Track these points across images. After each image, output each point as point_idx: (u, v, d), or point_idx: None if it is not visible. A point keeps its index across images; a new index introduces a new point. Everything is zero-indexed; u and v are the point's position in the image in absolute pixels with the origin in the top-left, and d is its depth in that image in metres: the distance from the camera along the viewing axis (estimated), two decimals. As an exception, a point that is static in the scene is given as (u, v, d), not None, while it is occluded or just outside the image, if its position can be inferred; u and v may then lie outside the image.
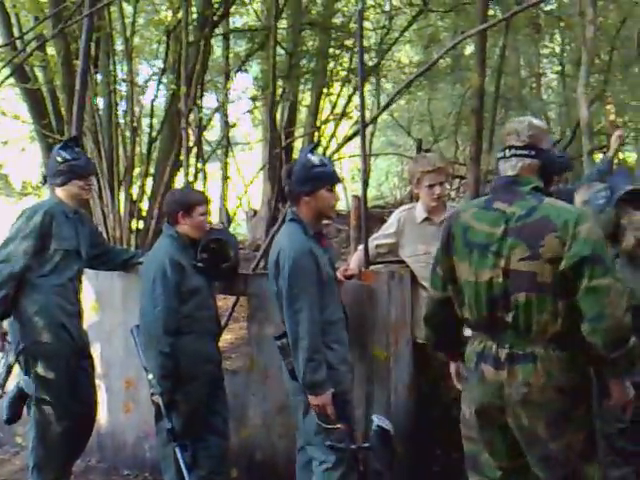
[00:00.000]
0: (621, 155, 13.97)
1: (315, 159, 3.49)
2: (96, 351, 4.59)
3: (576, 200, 3.64)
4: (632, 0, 11.24)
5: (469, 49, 14.01)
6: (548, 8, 12.23)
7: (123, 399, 4.76)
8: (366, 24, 13.11)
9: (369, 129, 13.88)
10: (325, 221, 4.14)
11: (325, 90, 13.69)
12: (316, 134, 13.09)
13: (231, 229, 12.79)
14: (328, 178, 3.50)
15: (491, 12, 10.67)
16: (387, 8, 12.90)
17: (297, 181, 3.46)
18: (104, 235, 6.55)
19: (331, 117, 13.60)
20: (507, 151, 2.73)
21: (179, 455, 3.70)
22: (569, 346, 2.57)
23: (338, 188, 3.68)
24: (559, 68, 15.40)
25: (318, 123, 13.63)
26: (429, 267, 4.14)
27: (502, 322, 2.64)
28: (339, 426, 3.37)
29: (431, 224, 4.24)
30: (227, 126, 11.50)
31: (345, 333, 3.58)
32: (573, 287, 2.49)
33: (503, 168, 2.74)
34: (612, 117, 14.35)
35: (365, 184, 4.56)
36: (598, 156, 13.80)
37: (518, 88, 14.34)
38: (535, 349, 2.58)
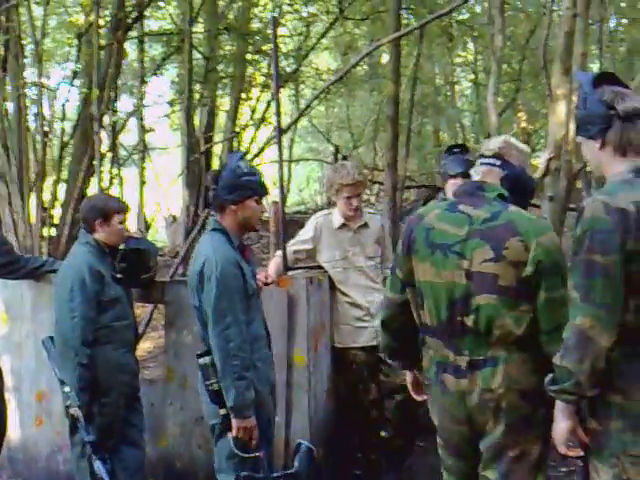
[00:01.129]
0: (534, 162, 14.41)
1: (245, 167, 3.31)
2: (5, 364, 4.43)
3: None
4: (540, 11, 11.65)
5: (386, 57, 14.25)
6: (460, 18, 12.52)
7: (35, 412, 4.61)
8: (283, 30, 13.17)
9: (289, 135, 13.94)
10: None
11: (244, 95, 13.65)
12: (235, 139, 13.04)
13: (149, 235, 12.61)
14: (257, 188, 3.30)
15: (406, 21, 10.87)
16: (304, 15, 12.97)
17: (224, 188, 3.23)
18: (14, 243, 6.32)
19: (250, 122, 13.57)
20: (477, 160, 2.83)
21: (100, 468, 3.58)
22: (531, 349, 2.57)
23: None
24: (472, 77, 15.81)
25: (237, 128, 13.57)
26: (346, 272, 4.26)
27: (461, 326, 2.60)
28: (258, 454, 3.14)
29: (348, 230, 4.31)
30: (143, 131, 11.31)
31: (268, 351, 3.40)
32: (534, 294, 2.53)
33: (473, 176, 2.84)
34: (524, 124, 14.89)
35: (282, 190, 4.57)
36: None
37: (433, 96, 14.65)
38: (496, 353, 2.57)
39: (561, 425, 2.36)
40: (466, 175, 4.89)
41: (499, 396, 2.57)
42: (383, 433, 4.34)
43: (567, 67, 5.14)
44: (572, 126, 5.16)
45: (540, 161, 5.02)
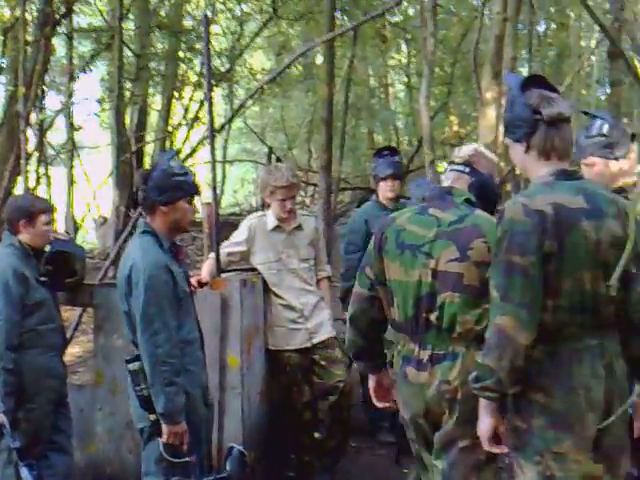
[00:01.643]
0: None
1: (177, 167, 3.22)
2: None
3: None
4: (472, 15, 11.86)
5: (320, 58, 14.29)
6: (394, 20, 12.66)
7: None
8: (216, 29, 13.05)
9: (223, 135, 13.80)
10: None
11: (176, 94, 13.48)
12: (168, 139, 12.88)
13: (78, 237, 12.31)
14: (189, 188, 3.22)
15: (340, 22, 10.92)
16: (237, 13, 12.90)
17: (155, 189, 3.13)
18: None
19: (183, 122, 13.42)
20: (448, 167, 2.96)
21: (27, 476, 3.47)
22: None
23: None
24: (405, 79, 15.98)
25: (170, 128, 13.40)
26: (280, 274, 4.24)
27: (426, 322, 2.69)
28: (189, 459, 3.09)
29: (282, 232, 4.29)
30: (72, 129, 11.05)
31: (201, 354, 3.34)
32: None
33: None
34: (455, 127, 15.14)
35: (216, 191, 4.52)
36: (441, 165, 14.48)
37: (367, 98, 14.75)
38: (457, 348, 2.66)
39: (485, 422, 2.42)
40: (396, 177, 4.97)
41: (455, 388, 2.65)
42: (316, 435, 4.33)
43: (497, 71, 5.26)
44: (502, 129, 5.28)
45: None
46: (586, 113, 3.42)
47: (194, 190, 3.28)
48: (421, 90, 6.01)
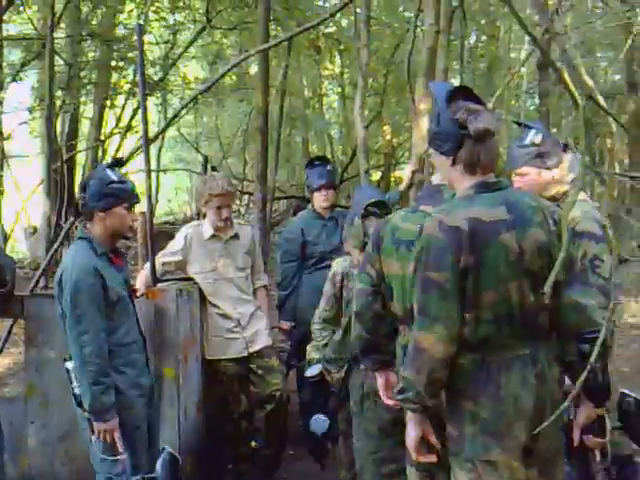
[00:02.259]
0: (397, 173, 14.89)
1: (114, 175, 3.31)
2: None
3: None
4: (404, 26, 12.05)
5: (254, 68, 14.31)
6: (328, 31, 12.76)
7: None
8: (149, 38, 12.93)
9: (157, 144, 13.67)
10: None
11: (109, 103, 13.28)
12: (100, 148, 12.67)
13: (8, 247, 11.98)
14: (126, 195, 3.32)
15: (274, 32, 10.97)
16: (171, 22, 12.81)
17: (92, 196, 3.27)
18: None
19: (116, 130, 13.23)
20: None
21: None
22: None
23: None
24: (339, 89, 16.12)
25: (102, 137, 13.18)
26: (217, 283, 4.24)
27: None
28: (119, 457, 3.19)
29: (218, 241, 4.29)
30: (1, 138, 10.77)
31: (140, 356, 3.42)
32: None
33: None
34: (388, 137, 15.35)
35: (150, 200, 4.48)
36: (376, 174, 14.66)
37: (302, 108, 14.82)
38: None
39: (411, 433, 2.49)
40: (329, 186, 5.02)
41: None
42: (253, 444, 4.34)
43: (430, 82, 5.34)
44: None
45: (404, 173, 5.20)
46: (519, 124, 3.50)
47: (132, 197, 3.36)
48: (355, 101, 6.09)
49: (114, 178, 3.30)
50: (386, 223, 2.97)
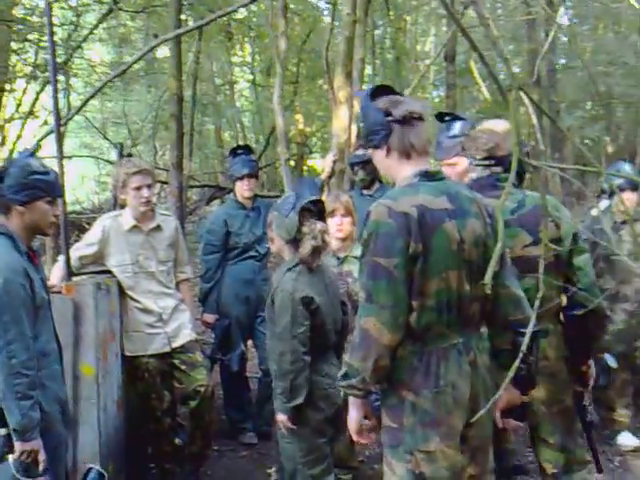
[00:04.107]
0: (310, 163, 14.88)
1: (36, 164, 2.99)
2: None
3: None
4: (315, 14, 12.03)
5: (161, 52, 13.95)
6: (239, 16, 12.55)
7: None
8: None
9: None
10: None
11: (8, 87, 12.64)
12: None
13: None
14: (50, 188, 3.00)
15: (183, 16, 10.68)
16: (74, 3, 12.29)
17: (11, 187, 2.91)
18: None
19: (16, 116, 12.63)
20: (471, 161, 3.05)
21: None
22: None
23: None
24: (250, 77, 15.92)
25: (1, 122, 12.56)
26: (137, 277, 4.07)
27: None
28: (42, 478, 2.88)
29: (139, 232, 4.10)
30: None
31: (58, 367, 3.12)
32: None
33: None
34: (301, 126, 15.28)
35: (64, 190, 4.24)
36: (289, 163, 14.58)
37: (213, 94, 14.57)
38: (544, 325, 2.79)
39: (352, 416, 2.51)
40: (252, 176, 4.93)
41: (552, 363, 2.88)
42: (177, 441, 4.23)
43: (348, 71, 5.33)
44: (354, 129, 5.39)
45: (325, 163, 5.16)
46: (445, 114, 3.53)
47: (55, 190, 3.06)
48: (275, 89, 6.00)
49: (37, 168, 2.98)
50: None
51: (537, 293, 2.70)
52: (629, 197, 4.46)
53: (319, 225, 3.31)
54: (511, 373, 1.85)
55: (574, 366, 2.97)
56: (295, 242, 3.29)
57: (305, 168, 14.38)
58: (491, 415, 2.56)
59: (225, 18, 11.30)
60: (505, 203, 2.79)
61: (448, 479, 2.38)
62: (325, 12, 14.20)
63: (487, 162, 2.98)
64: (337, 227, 3.95)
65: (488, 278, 1.69)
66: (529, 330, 2.05)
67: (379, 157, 2.49)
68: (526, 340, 1.97)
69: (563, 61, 15.54)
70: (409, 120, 2.41)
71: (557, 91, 13.71)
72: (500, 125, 3.08)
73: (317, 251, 3.28)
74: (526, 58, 14.28)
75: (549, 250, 2.74)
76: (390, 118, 2.40)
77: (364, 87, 5.82)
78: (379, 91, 2.50)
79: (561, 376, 2.91)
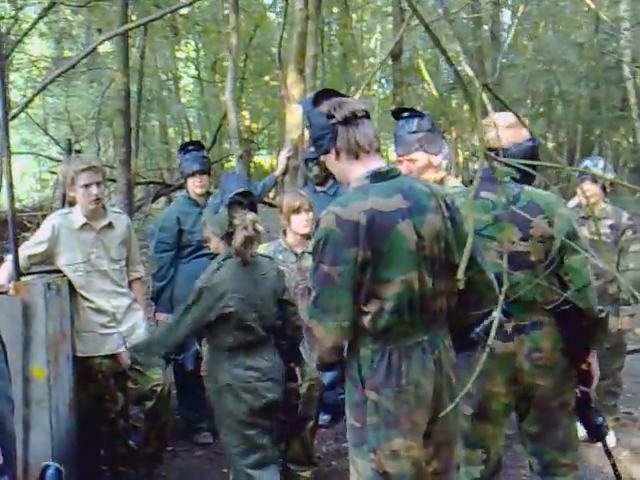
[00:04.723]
0: (257, 159, 14.83)
1: None
2: None
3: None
4: (263, 12, 11.98)
5: (102, 47, 13.70)
6: (185, 11, 12.42)
7: None
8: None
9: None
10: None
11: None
12: None
13: None
14: None
15: (130, 12, 10.50)
16: (15, -3, 11.98)
17: None
18: None
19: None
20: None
21: None
22: None
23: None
24: (195, 72, 15.79)
25: None
26: (89, 276, 3.97)
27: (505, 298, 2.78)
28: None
29: (90, 230, 3.99)
30: None
31: (5, 365, 2.93)
32: None
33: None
34: (247, 122, 15.22)
35: (12, 187, 4.10)
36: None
37: (158, 90, 14.39)
38: (539, 317, 2.84)
39: None
40: (204, 172, 4.87)
41: (547, 355, 2.86)
42: (131, 443, 4.15)
43: (301, 68, 5.31)
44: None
45: (279, 159, 5.13)
46: (402, 110, 3.53)
47: None
48: (227, 85, 5.95)
49: None
50: None
51: (524, 288, 2.78)
52: (589, 188, 4.46)
53: (250, 215, 3.36)
54: (479, 368, 1.85)
55: (573, 364, 2.94)
56: (228, 236, 3.35)
57: (252, 165, 14.31)
58: (457, 411, 2.57)
59: (171, 14, 11.16)
60: (500, 197, 2.84)
61: (412, 477, 2.39)
62: (271, 8, 14.16)
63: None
64: (304, 223, 3.95)
65: (461, 274, 1.68)
66: (495, 315, 2.08)
67: (330, 161, 2.48)
68: (496, 321, 1.96)
69: (504, 60, 15.84)
70: (352, 120, 2.40)
71: (502, 89, 13.98)
72: (503, 118, 3.06)
73: (249, 241, 3.33)
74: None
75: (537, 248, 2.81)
76: (333, 120, 2.39)
77: (317, 84, 5.81)
78: (322, 96, 2.49)
79: (559, 369, 2.88)
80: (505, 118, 3.02)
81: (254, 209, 3.45)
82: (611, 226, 4.34)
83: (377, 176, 2.39)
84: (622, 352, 4.67)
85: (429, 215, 2.38)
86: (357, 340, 2.39)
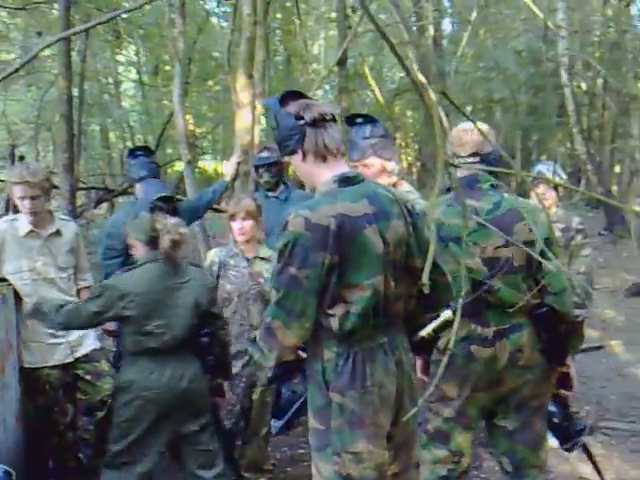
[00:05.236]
0: (201, 164, 14.71)
1: None
2: None
3: None
4: (206, 17, 11.90)
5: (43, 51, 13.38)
6: (126, 16, 12.23)
7: None
8: None
9: None
10: None
11: None
12: None
13: None
14: None
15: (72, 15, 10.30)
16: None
17: None
18: None
19: None
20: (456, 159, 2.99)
21: None
22: None
23: None
24: (136, 76, 15.58)
25: None
26: (35, 284, 3.87)
27: (486, 303, 2.86)
28: None
29: (37, 238, 3.89)
30: None
31: None
32: None
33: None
34: (191, 127, 15.08)
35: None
36: (180, 165, 14.29)
37: (99, 94, 14.14)
38: (519, 320, 2.88)
39: None
40: (153, 178, 4.78)
41: (527, 355, 2.91)
42: (81, 456, 4.05)
43: (250, 72, 5.29)
44: (257, 131, 5.35)
45: (229, 165, 5.10)
46: (356, 116, 3.55)
47: None
48: (174, 88, 5.88)
49: None
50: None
51: (506, 293, 2.83)
52: (542, 191, 4.51)
53: (171, 220, 3.38)
54: (440, 370, 1.87)
55: (551, 366, 2.99)
56: (152, 241, 3.35)
57: (197, 170, 14.19)
58: (416, 412, 2.59)
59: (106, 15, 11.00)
60: (481, 204, 2.90)
61: (374, 479, 2.40)
62: (214, 13, 14.08)
63: (472, 159, 2.97)
64: (238, 230, 3.93)
65: (425, 278, 1.69)
66: (444, 314, 2.37)
67: (296, 163, 2.47)
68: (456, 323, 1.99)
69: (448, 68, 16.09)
70: (321, 122, 2.40)
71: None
72: (482, 125, 3.08)
73: (176, 244, 3.33)
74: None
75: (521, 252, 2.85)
76: (302, 122, 2.38)
77: (265, 88, 5.78)
78: (288, 97, 2.48)
79: (539, 369, 2.92)
80: (483, 125, 3.05)
81: (176, 214, 3.45)
82: (562, 230, 4.41)
83: (345, 181, 2.40)
84: None
85: (393, 220, 2.41)
86: (320, 343, 2.40)
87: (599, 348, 6.97)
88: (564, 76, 12.81)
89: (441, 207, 2.94)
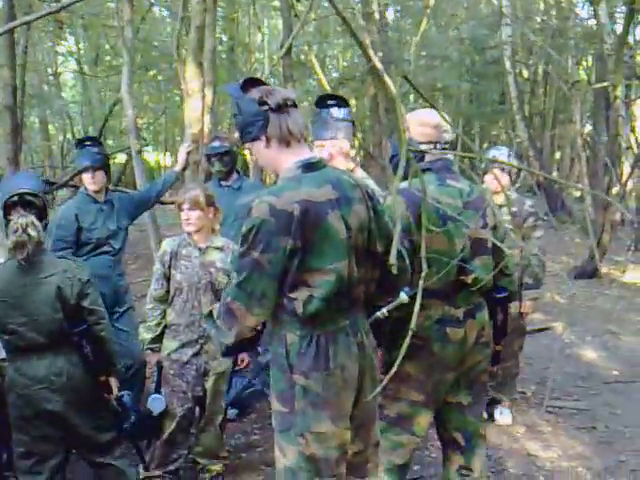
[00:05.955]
0: (144, 156, 14.51)
1: None
2: None
3: None
4: (148, 5, 11.73)
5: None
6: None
7: None
8: None
9: None
10: None
11: None
12: None
13: None
14: None
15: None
16: None
17: None
18: None
19: None
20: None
21: None
22: None
23: None
24: (76, 67, 15.27)
25: None
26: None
27: (461, 285, 2.91)
28: None
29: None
30: None
31: None
32: None
33: None
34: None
35: None
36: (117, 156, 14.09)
37: (39, 85, 13.82)
38: (478, 299, 2.98)
39: None
40: (96, 168, 4.70)
41: (488, 332, 3.03)
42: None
43: (200, 61, 5.25)
44: (207, 119, 5.33)
45: (179, 154, 5.06)
46: (328, 97, 3.58)
47: None
48: (123, 78, 5.79)
49: None
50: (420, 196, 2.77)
51: (482, 274, 2.90)
52: (499, 175, 4.48)
53: (22, 219, 3.18)
54: (402, 351, 1.91)
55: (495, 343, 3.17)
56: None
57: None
58: (376, 396, 2.63)
59: (55, 6, 10.75)
60: (460, 186, 2.97)
61: (337, 459, 2.44)
62: (156, 2, 13.88)
63: (445, 146, 3.02)
64: (185, 221, 3.90)
65: (393, 259, 1.74)
66: (401, 296, 2.45)
67: (259, 149, 2.46)
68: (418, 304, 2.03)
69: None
70: (284, 107, 2.40)
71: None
72: (432, 111, 3.10)
73: (19, 245, 3.16)
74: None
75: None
76: (265, 107, 2.38)
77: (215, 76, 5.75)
78: (249, 84, 2.47)
79: (490, 348, 3.07)
80: (433, 113, 3.08)
81: (39, 209, 3.30)
82: (513, 213, 4.51)
83: (309, 166, 2.41)
84: (522, 334, 4.88)
85: (355, 206, 2.43)
86: (284, 327, 2.42)
87: (544, 330, 7.17)
88: (507, 63, 13.03)
89: (430, 186, 2.93)
